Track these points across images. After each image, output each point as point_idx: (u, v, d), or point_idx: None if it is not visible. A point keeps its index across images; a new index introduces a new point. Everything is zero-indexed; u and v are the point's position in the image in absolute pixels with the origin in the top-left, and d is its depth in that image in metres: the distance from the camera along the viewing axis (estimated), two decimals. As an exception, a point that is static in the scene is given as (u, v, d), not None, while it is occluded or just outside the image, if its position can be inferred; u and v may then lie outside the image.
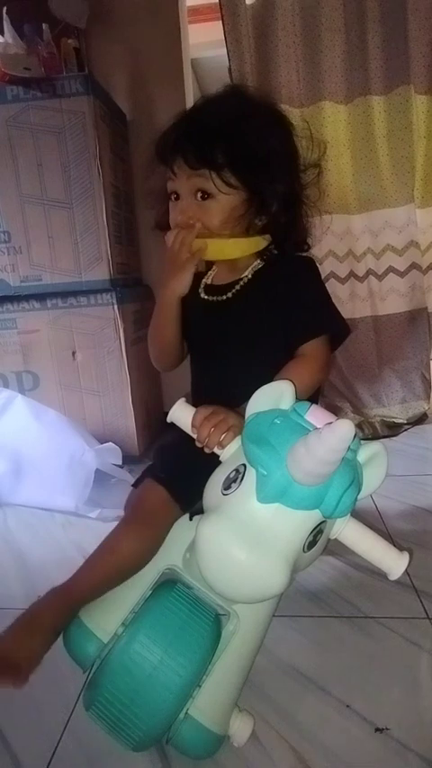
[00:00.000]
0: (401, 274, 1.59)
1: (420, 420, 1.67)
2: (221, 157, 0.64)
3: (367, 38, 1.47)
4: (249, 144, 0.66)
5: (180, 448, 0.68)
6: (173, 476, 0.65)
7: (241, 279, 0.73)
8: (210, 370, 0.78)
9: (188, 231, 0.68)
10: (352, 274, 1.62)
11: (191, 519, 0.64)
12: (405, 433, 1.63)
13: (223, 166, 0.64)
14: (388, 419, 1.67)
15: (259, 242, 0.71)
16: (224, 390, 0.62)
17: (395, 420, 1.67)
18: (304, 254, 0.75)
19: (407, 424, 1.65)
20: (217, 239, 0.68)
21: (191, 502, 0.62)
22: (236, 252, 0.71)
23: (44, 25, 1.31)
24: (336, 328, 0.71)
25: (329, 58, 1.49)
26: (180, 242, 0.68)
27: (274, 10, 1.49)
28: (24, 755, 0.60)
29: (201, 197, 0.67)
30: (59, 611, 0.56)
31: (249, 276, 0.73)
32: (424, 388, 1.68)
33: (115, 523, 0.63)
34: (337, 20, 1.47)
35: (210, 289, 0.77)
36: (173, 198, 0.70)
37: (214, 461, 0.55)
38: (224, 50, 1.51)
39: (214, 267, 0.80)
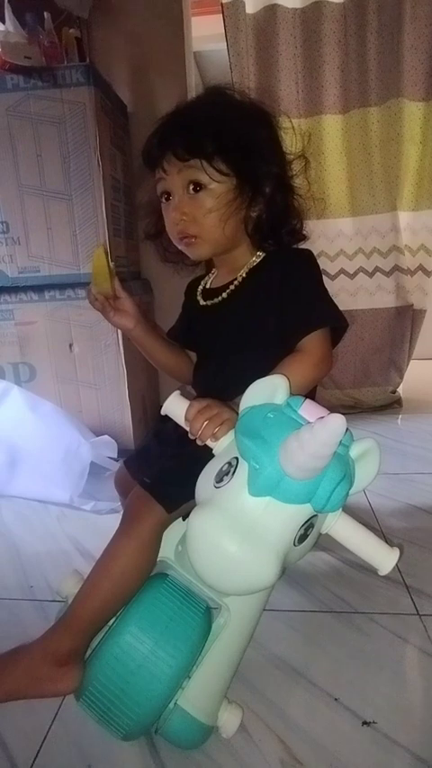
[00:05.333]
0: (387, 274, 1.70)
1: (387, 406, 1.82)
2: (210, 145, 0.64)
3: (366, 49, 1.49)
4: (235, 130, 0.66)
5: (166, 453, 0.69)
6: (161, 483, 0.63)
7: (236, 279, 0.73)
8: (206, 368, 0.78)
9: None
10: (342, 271, 1.70)
11: (184, 520, 0.63)
12: (401, 431, 1.64)
13: (213, 154, 0.64)
14: (350, 400, 1.80)
15: None
16: (219, 386, 0.62)
17: (359, 401, 1.80)
18: (302, 247, 0.74)
19: (371, 408, 1.80)
20: None
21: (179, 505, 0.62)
22: None
23: (46, 14, 1.30)
24: (332, 322, 0.69)
25: (329, 71, 1.51)
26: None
27: (275, 23, 1.51)
28: (14, 744, 0.61)
29: (193, 189, 0.66)
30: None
31: (244, 275, 0.72)
32: (393, 377, 1.80)
33: (109, 516, 0.63)
34: (338, 32, 1.48)
35: (207, 293, 0.78)
36: (164, 200, 0.70)
37: (202, 466, 0.54)
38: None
39: (214, 270, 0.80)
